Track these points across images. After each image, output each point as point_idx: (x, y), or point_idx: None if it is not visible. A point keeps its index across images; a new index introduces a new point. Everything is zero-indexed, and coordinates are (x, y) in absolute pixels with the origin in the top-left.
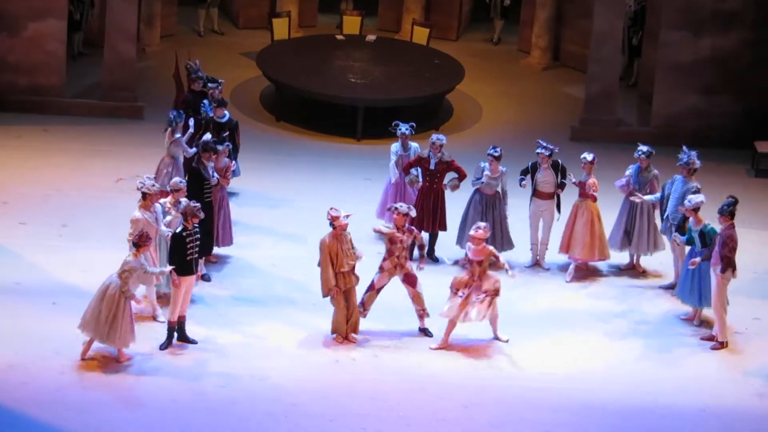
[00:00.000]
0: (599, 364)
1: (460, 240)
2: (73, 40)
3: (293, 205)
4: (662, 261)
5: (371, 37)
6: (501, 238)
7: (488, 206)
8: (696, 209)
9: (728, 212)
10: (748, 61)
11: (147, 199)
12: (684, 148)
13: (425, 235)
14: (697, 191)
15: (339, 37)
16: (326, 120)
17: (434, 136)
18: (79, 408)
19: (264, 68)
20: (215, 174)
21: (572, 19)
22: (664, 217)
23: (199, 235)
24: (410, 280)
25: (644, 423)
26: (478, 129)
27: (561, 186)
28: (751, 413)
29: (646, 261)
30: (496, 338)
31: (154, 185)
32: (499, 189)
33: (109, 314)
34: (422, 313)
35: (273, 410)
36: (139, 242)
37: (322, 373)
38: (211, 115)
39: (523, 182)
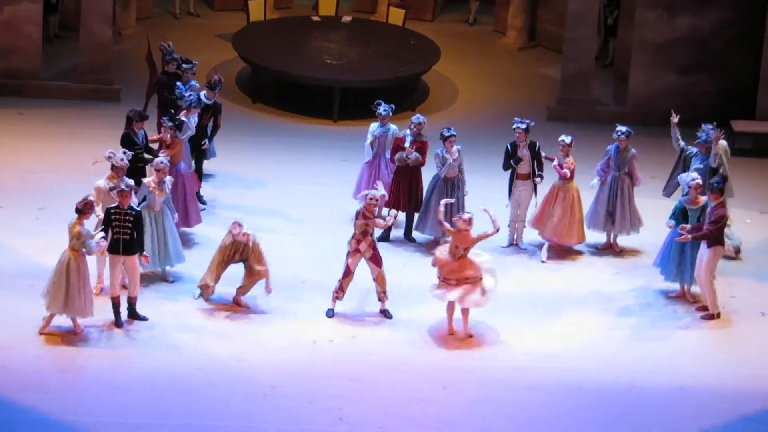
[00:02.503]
0: (577, 343)
1: (422, 225)
2: (49, 23)
3: (270, 187)
4: (639, 239)
5: (347, 18)
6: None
7: (452, 188)
8: (696, 188)
9: (718, 189)
10: (725, 40)
11: (114, 171)
12: (703, 126)
13: (402, 217)
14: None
15: (315, 18)
16: (302, 101)
17: (415, 117)
18: (57, 391)
19: (240, 50)
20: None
21: None
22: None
23: (130, 221)
24: (376, 260)
25: (621, 402)
26: (455, 110)
27: (539, 176)
28: (729, 392)
29: (623, 240)
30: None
31: (122, 159)
32: (457, 170)
33: (64, 284)
34: (383, 296)
35: (251, 392)
36: (83, 209)
37: (300, 355)
38: (187, 95)
39: (516, 164)
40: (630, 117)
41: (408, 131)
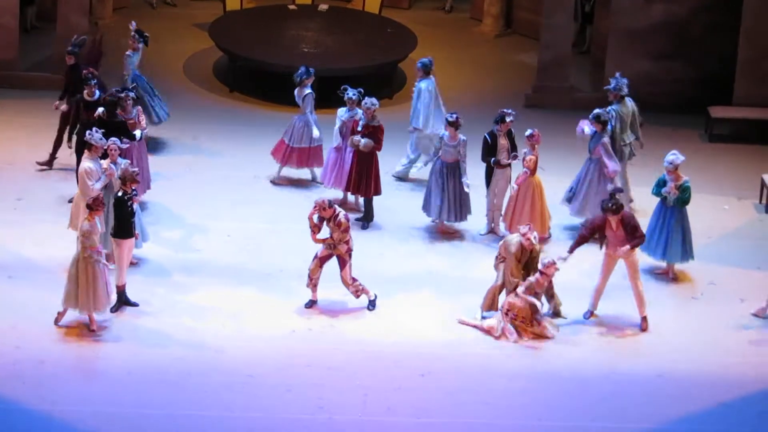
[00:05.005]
0: (555, 330)
1: (426, 207)
2: (26, 14)
3: (247, 176)
4: None
5: (323, 7)
6: (459, 207)
7: (449, 175)
8: (675, 168)
9: (611, 210)
10: (701, 26)
11: (92, 150)
12: (617, 74)
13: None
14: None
15: (291, 6)
16: (280, 90)
17: (367, 100)
18: (35, 382)
19: (217, 39)
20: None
21: None
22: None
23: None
24: (341, 263)
25: (600, 389)
26: None
27: (514, 156)
28: (707, 379)
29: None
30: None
31: (101, 138)
32: (458, 157)
33: (74, 282)
34: (356, 295)
35: (229, 381)
36: (93, 205)
37: (279, 344)
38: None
39: (495, 164)
40: (606, 103)
41: (361, 116)
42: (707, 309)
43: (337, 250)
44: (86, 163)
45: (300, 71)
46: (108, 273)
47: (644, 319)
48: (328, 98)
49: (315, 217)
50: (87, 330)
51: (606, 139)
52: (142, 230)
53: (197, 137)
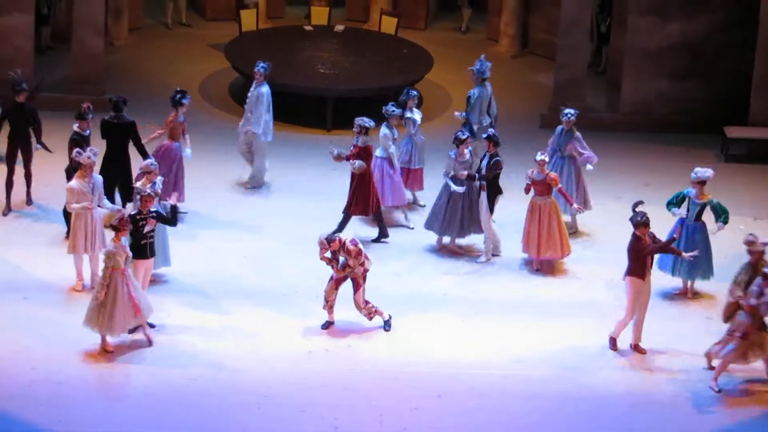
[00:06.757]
0: (570, 351)
1: (435, 225)
2: (41, 34)
3: (263, 197)
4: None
5: (339, 28)
6: (470, 220)
7: (464, 192)
8: (702, 182)
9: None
10: (717, 45)
11: (82, 169)
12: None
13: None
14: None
15: (307, 27)
16: (295, 111)
17: (357, 119)
18: (51, 402)
19: (232, 60)
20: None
21: (540, 6)
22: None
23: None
24: (355, 285)
25: (616, 409)
26: (448, 118)
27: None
28: (724, 397)
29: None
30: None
31: (89, 157)
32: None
33: (105, 303)
34: (368, 317)
35: (245, 402)
36: (119, 226)
37: (296, 364)
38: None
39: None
40: (623, 124)
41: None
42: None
43: (354, 273)
44: (72, 182)
45: (404, 94)
46: (136, 296)
47: (638, 346)
48: (344, 119)
49: (327, 255)
50: (104, 351)
51: (578, 134)
52: (164, 253)
53: (212, 158)
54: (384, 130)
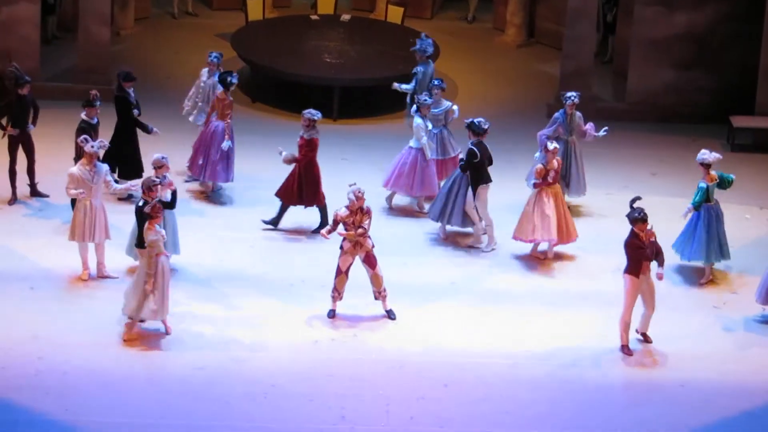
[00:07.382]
0: (578, 341)
1: (445, 216)
2: (48, 24)
3: (270, 187)
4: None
5: (346, 17)
6: (451, 211)
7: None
8: (707, 165)
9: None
10: (723, 35)
11: (85, 157)
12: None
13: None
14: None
15: (314, 17)
16: (302, 100)
17: (305, 112)
18: (57, 392)
19: (239, 49)
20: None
21: None
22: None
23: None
24: (370, 261)
25: (622, 399)
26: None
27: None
28: (730, 388)
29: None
30: None
31: (93, 146)
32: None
33: (146, 290)
34: (378, 296)
35: (252, 391)
36: (152, 213)
37: (302, 354)
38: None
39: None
40: (629, 113)
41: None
42: (730, 317)
43: (364, 248)
44: (74, 168)
45: (434, 83)
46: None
47: (645, 334)
48: (351, 109)
49: (343, 212)
50: (113, 340)
51: (579, 113)
52: (174, 242)
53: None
54: (417, 120)
